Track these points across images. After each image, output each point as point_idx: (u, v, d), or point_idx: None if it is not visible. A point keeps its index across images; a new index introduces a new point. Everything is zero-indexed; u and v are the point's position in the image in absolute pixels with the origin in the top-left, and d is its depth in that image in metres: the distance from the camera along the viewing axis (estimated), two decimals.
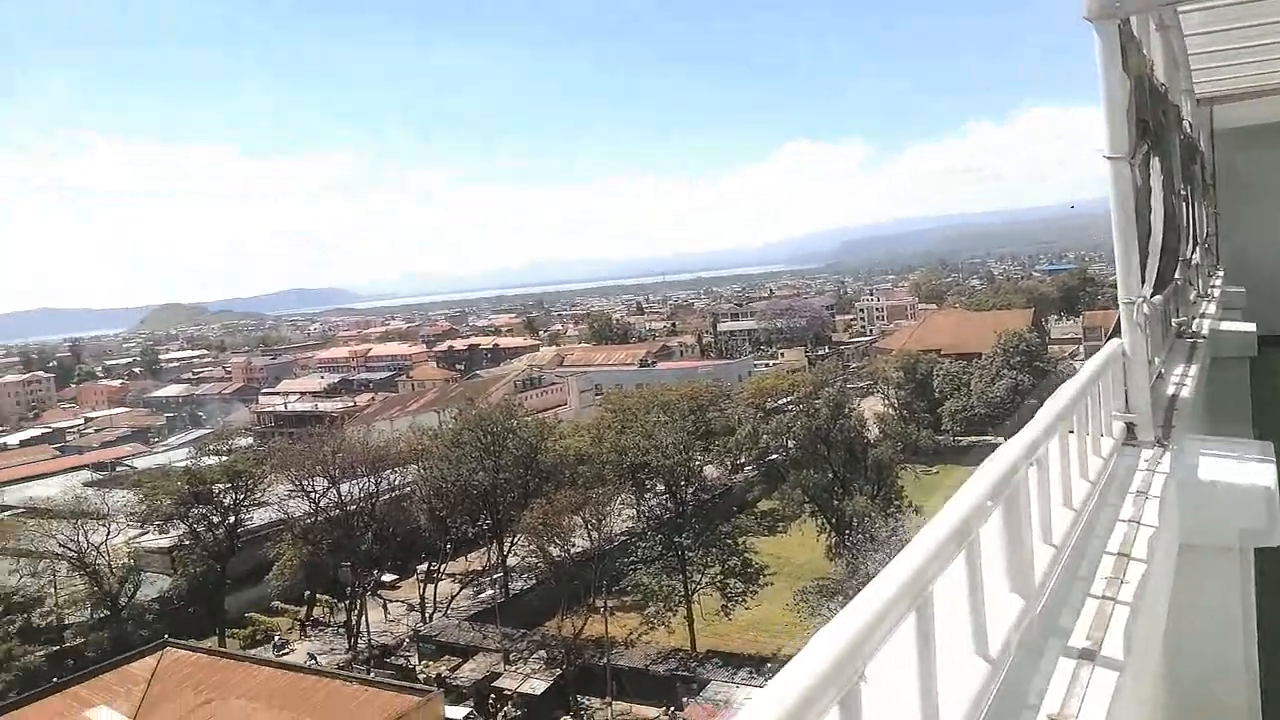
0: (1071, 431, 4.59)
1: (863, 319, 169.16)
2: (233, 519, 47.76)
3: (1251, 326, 12.05)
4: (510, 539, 48.10)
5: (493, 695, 39.16)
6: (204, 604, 46.24)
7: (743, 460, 60.55)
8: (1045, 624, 3.50)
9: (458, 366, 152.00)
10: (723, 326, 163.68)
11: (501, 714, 38.70)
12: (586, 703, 38.93)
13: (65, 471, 79.19)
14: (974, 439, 69.93)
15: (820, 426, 49.56)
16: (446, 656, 42.66)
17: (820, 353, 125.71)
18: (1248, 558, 5.48)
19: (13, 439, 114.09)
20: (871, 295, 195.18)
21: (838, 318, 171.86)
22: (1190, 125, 12.23)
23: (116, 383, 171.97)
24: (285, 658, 42.63)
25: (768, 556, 45.86)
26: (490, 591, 48.94)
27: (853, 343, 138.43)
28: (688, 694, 37.07)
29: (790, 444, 52.37)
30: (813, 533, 47.86)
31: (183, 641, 34.21)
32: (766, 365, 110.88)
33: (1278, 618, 5.62)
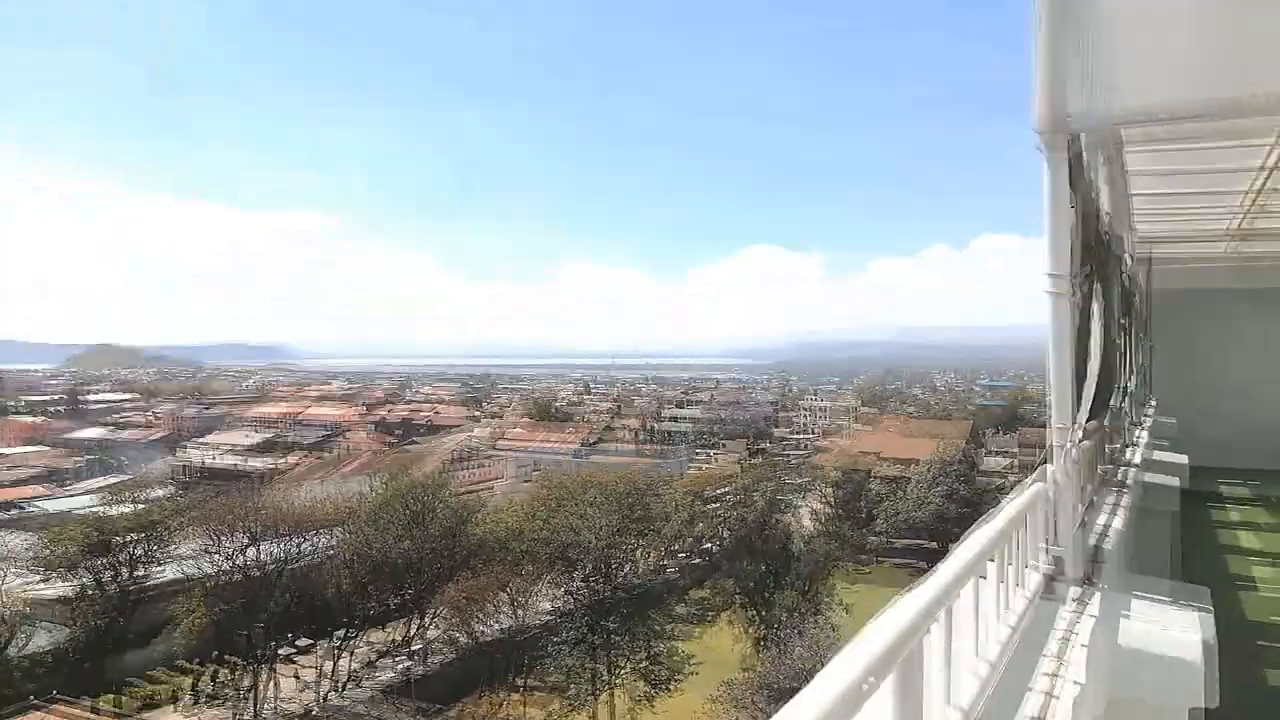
0: (984, 578, 4.10)
1: (806, 418, 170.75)
2: (140, 570, 45.52)
3: (1184, 458, 12.19)
4: (432, 612, 46.51)
5: None
6: (101, 659, 43.64)
7: (676, 548, 59.91)
8: None
9: (392, 436, 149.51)
10: (667, 413, 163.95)
11: None
12: None
13: None
14: (908, 542, 70.30)
15: (756, 520, 49.39)
16: None
17: (762, 447, 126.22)
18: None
19: None
20: (816, 396, 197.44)
21: (781, 415, 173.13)
22: (1132, 259, 12.58)
23: (36, 419, 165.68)
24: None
25: (695, 645, 45.03)
26: (407, 664, 47.07)
27: (795, 439, 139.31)
28: None
29: (725, 535, 52.06)
30: (742, 624, 47.18)
31: (71, 699, 32.15)
32: (708, 455, 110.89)
33: None
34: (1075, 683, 4.16)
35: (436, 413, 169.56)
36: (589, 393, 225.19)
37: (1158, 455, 11.89)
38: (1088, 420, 6.37)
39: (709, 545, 54.53)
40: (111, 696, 42.04)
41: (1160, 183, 11.78)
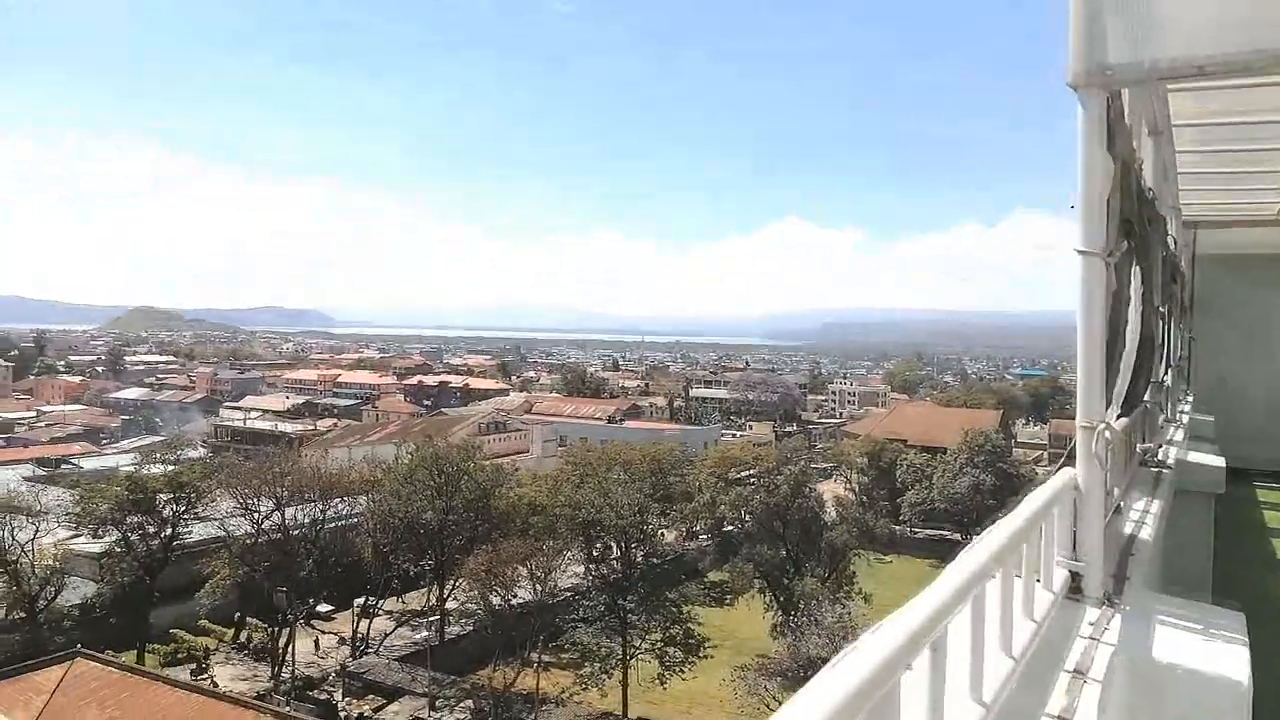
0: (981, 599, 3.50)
1: (834, 401, 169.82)
2: (170, 530, 46.33)
3: (1220, 460, 11.20)
4: (452, 582, 46.97)
5: None
6: (128, 615, 44.55)
7: (698, 528, 59.91)
8: None
9: (426, 402, 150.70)
10: (695, 392, 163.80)
11: None
12: None
13: (8, 463, 77.29)
14: (931, 532, 69.82)
15: (779, 503, 49.14)
16: (371, 696, 41.29)
17: (788, 429, 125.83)
18: None
19: None
20: (845, 379, 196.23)
21: (809, 397, 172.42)
22: (1175, 242, 11.76)
23: (77, 379, 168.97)
24: (203, 680, 41.26)
25: (712, 628, 45.10)
26: (426, 633, 47.64)
27: (821, 423, 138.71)
28: None
29: (747, 517, 51.93)
30: (760, 608, 47.17)
31: (96, 654, 32.78)
32: (734, 435, 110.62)
33: None
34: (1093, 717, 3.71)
35: (468, 384, 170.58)
36: (617, 369, 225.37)
37: (1193, 456, 10.97)
38: (1119, 414, 5.73)
39: (730, 527, 54.46)
40: (134, 653, 42.99)
41: (1209, 160, 11.07)
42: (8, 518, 42.98)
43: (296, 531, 46.32)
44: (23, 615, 41.78)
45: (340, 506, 48.80)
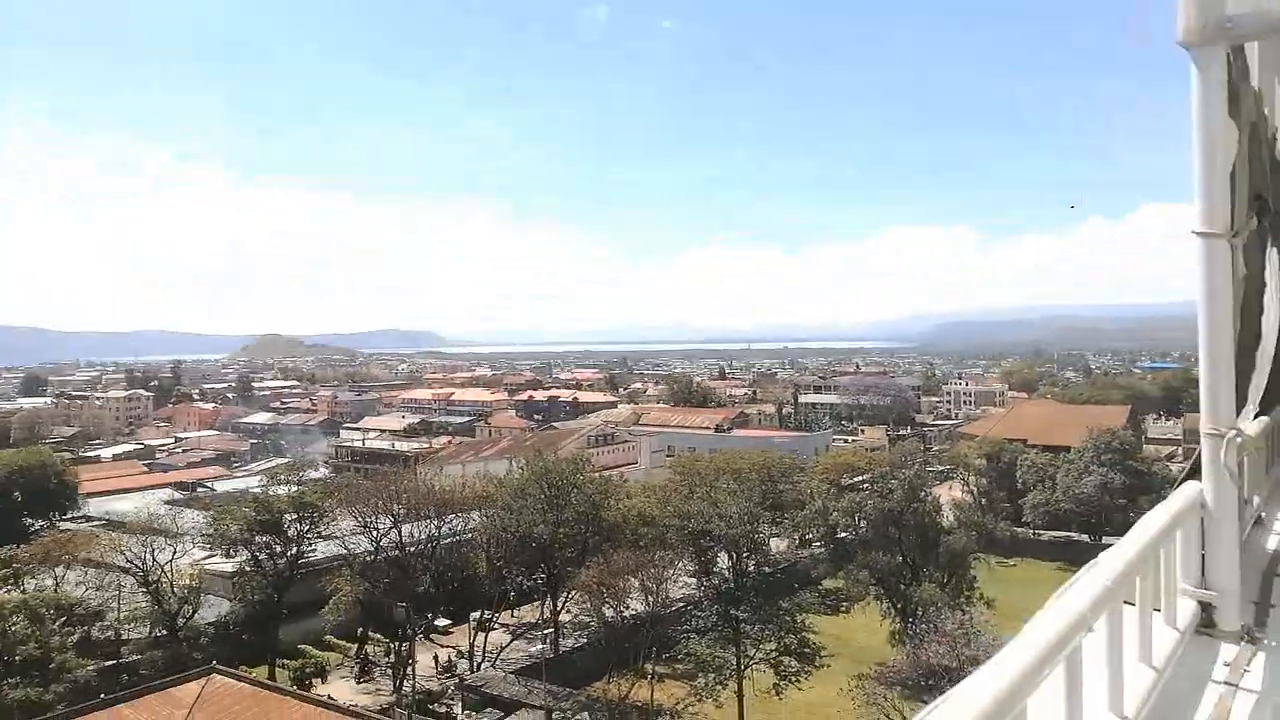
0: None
1: (949, 402, 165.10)
2: (295, 549, 48.13)
3: None
4: (565, 595, 47.37)
5: None
6: (259, 632, 46.50)
7: (810, 535, 58.93)
8: None
9: (536, 416, 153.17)
10: (804, 398, 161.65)
11: None
12: None
13: (149, 488, 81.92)
14: (1056, 534, 66.94)
15: (894, 508, 47.89)
16: (489, 709, 41.86)
17: (902, 433, 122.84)
18: None
19: (107, 452, 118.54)
20: (960, 380, 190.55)
21: (924, 399, 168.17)
22: None
23: (210, 406, 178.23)
24: (335, 691, 42.74)
25: (827, 637, 44.08)
26: (540, 646, 48.15)
27: (937, 425, 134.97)
28: None
29: (861, 523, 50.80)
30: (877, 616, 46.03)
31: (228, 669, 34.22)
32: (845, 441, 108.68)
33: None
34: None
35: (576, 398, 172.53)
36: (724, 377, 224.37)
37: None
38: (1257, 413, 4.98)
39: (844, 534, 53.37)
40: (265, 668, 44.74)
41: None
42: (150, 540, 45.43)
43: (413, 548, 47.47)
44: (165, 632, 44.08)
45: (455, 522, 49.80)
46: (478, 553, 49.23)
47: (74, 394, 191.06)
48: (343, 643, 50.64)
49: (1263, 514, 5.75)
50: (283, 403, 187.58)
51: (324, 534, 49.37)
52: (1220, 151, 4.13)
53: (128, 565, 44.63)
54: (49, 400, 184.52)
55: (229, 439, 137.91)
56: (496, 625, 50.26)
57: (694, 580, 47.67)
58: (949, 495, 64.03)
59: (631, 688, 39.44)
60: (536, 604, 51.18)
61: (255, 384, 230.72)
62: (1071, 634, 2.59)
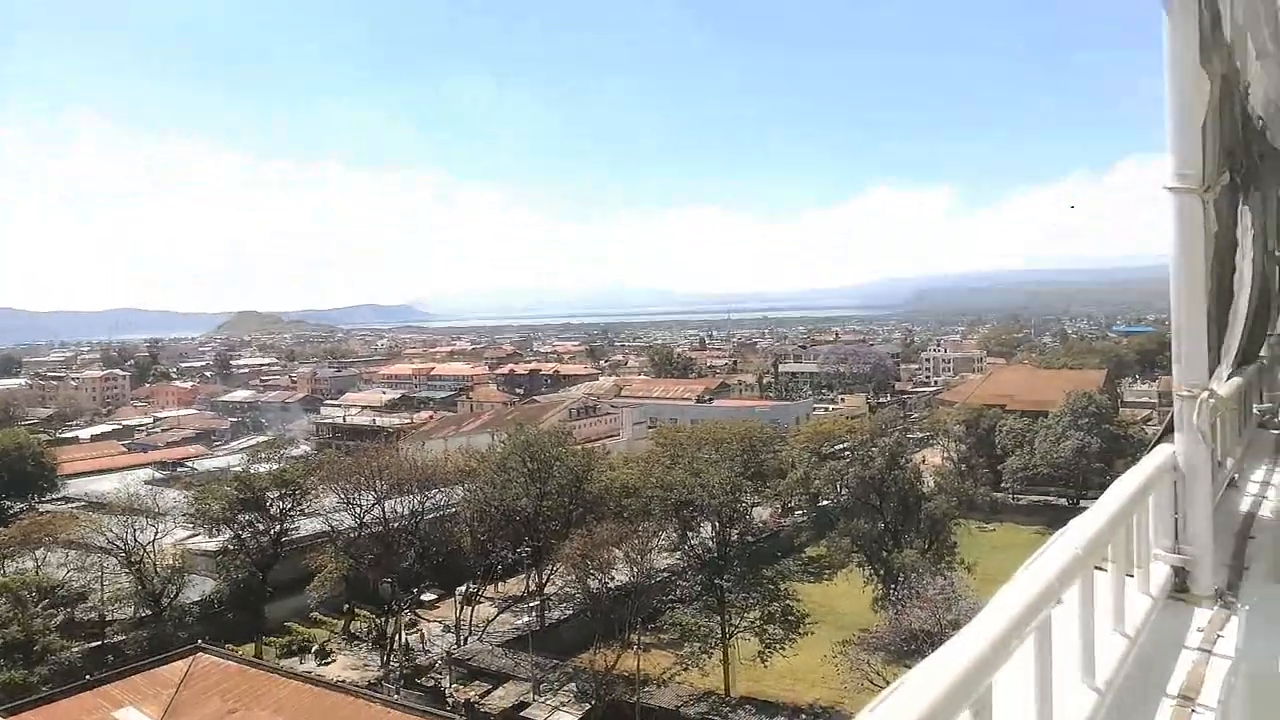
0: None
1: (928, 369, 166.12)
2: (279, 527, 48.06)
3: None
4: (550, 567, 47.62)
5: None
6: (244, 610, 46.52)
7: (793, 504, 59.36)
8: None
9: (518, 390, 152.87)
10: (785, 367, 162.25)
11: None
12: None
13: (129, 468, 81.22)
14: (1036, 498, 67.77)
15: (875, 475, 48.33)
16: (477, 681, 42.14)
17: (882, 400, 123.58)
18: None
19: (85, 433, 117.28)
20: (939, 346, 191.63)
21: (903, 366, 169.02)
22: None
23: (188, 385, 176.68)
24: (324, 668, 42.94)
25: (811, 604, 44.55)
26: (527, 619, 48.46)
27: (916, 392, 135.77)
28: None
29: (843, 491, 51.23)
30: (859, 582, 46.56)
31: (215, 647, 34.20)
32: (826, 409, 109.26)
33: None
34: None
35: (558, 370, 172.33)
36: (704, 348, 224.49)
37: None
38: (1231, 371, 4.99)
39: (826, 502, 53.82)
40: (252, 646, 44.78)
41: None
42: (131, 520, 45.20)
43: (397, 523, 47.53)
44: (149, 612, 44.00)
45: (438, 497, 49.85)
46: (462, 527, 49.36)
47: (49, 375, 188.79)
48: (329, 619, 50.75)
49: (1236, 475, 5.74)
50: (262, 380, 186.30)
51: (307, 511, 49.39)
52: (1192, 103, 4.06)
53: (109, 546, 44.38)
54: (24, 381, 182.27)
55: (209, 417, 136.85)
56: (483, 599, 50.50)
57: (678, 550, 48.00)
58: (929, 461, 64.68)
59: (618, 658, 39.79)
60: (522, 577, 51.42)
61: (234, 361, 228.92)
62: (1041, 604, 2.52)
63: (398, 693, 38.65)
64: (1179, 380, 4.32)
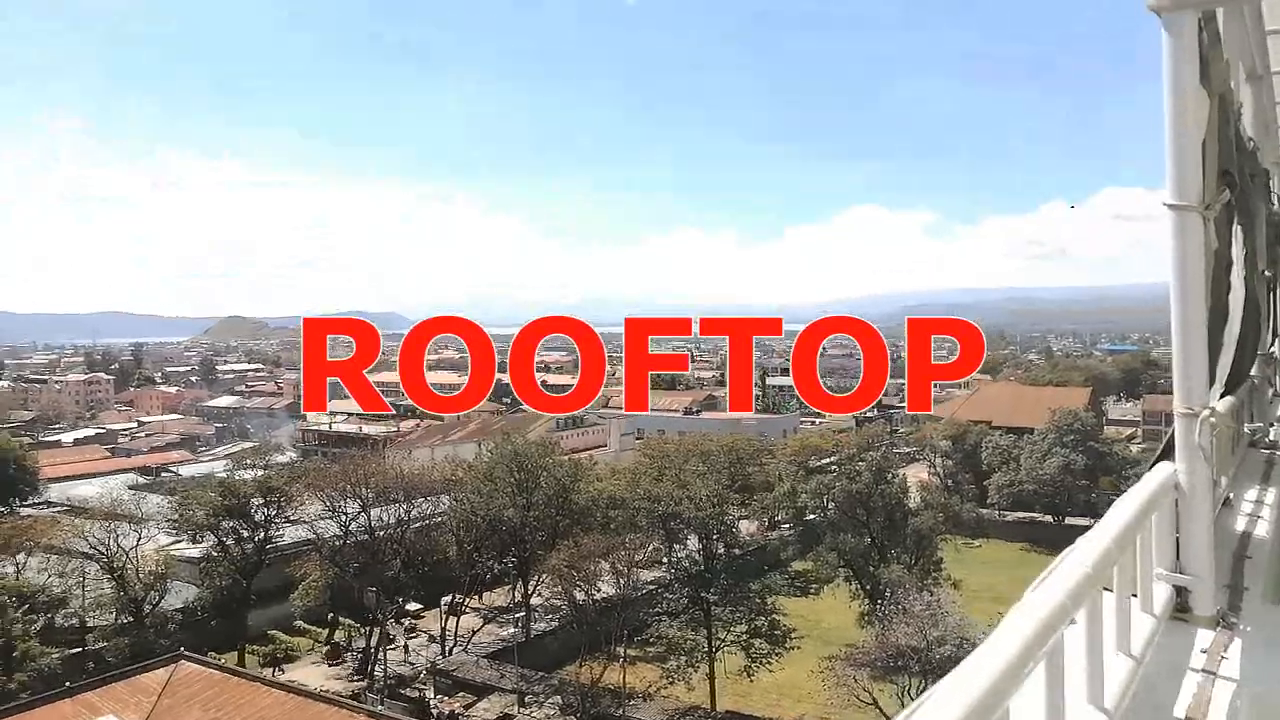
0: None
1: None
2: (263, 534, 47.73)
3: None
4: (536, 579, 47.43)
5: None
6: (227, 618, 46.14)
7: (779, 518, 59.39)
8: None
9: (505, 399, 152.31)
10: (772, 380, 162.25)
11: None
12: None
13: (112, 473, 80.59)
14: (1021, 515, 68.04)
15: (861, 490, 48.41)
16: (461, 693, 41.90)
17: (868, 415, 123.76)
18: None
19: (68, 437, 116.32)
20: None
21: (889, 381, 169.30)
22: (1279, 200, 10.48)
23: (173, 389, 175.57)
24: (295, 672, 42.63)
25: (797, 618, 44.58)
26: (512, 630, 48.22)
27: (902, 408, 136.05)
28: None
29: (829, 505, 51.28)
30: (846, 597, 46.59)
31: (196, 655, 33.92)
32: (813, 423, 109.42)
33: None
34: None
35: (545, 381, 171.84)
36: (692, 360, 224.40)
37: None
38: (1223, 395, 4.93)
39: (812, 516, 53.86)
40: (234, 654, 44.40)
41: None
42: (113, 526, 44.77)
43: (383, 532, 47.26)
44: (130, 619, 43.55)
45: (424, 506, 49.60)
46: (447, 537, 49.12)
47: (32, 377, 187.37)
48: (313, 628, 50.38)
49: (1230, 495, 5.68)
50: (247, 386, 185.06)
51: (292, 518, 49.02)
52: (1192, 120, 4.03)
53: (91, 551, 43.93)
54: (6, 383, 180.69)
55: (193, 423, 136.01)
56: (468, 609, 50.24)
57: (664, 563, 47.93)
58: (915, 477, 64.81)
59: (603, 671, 39.62)
60: (507, 588, 51.20)
61: (219, 367, 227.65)
62: (1054, 625, 2.47)
63: (381, 703, 38.35)
64: (1180, 398, 4.24)
